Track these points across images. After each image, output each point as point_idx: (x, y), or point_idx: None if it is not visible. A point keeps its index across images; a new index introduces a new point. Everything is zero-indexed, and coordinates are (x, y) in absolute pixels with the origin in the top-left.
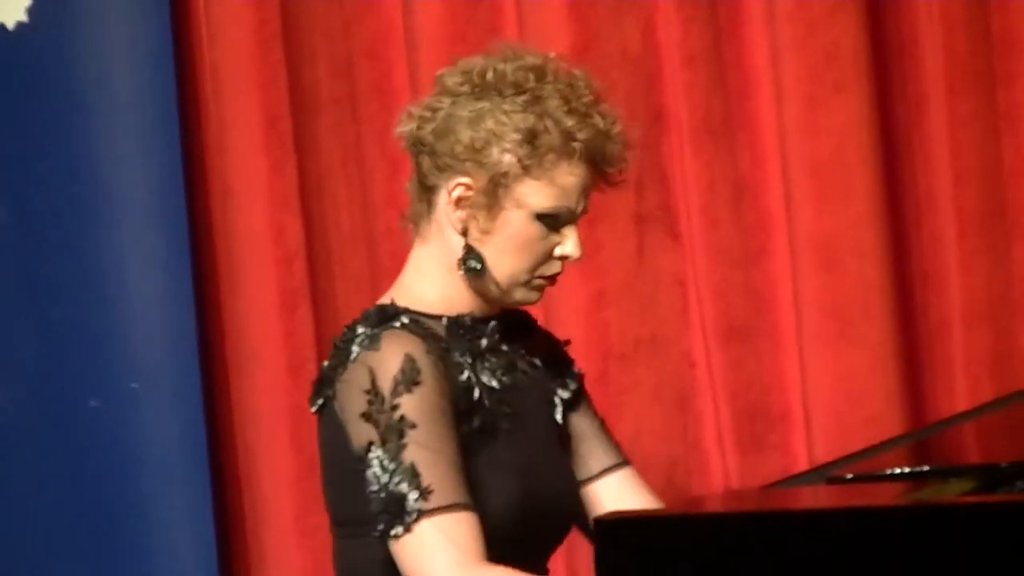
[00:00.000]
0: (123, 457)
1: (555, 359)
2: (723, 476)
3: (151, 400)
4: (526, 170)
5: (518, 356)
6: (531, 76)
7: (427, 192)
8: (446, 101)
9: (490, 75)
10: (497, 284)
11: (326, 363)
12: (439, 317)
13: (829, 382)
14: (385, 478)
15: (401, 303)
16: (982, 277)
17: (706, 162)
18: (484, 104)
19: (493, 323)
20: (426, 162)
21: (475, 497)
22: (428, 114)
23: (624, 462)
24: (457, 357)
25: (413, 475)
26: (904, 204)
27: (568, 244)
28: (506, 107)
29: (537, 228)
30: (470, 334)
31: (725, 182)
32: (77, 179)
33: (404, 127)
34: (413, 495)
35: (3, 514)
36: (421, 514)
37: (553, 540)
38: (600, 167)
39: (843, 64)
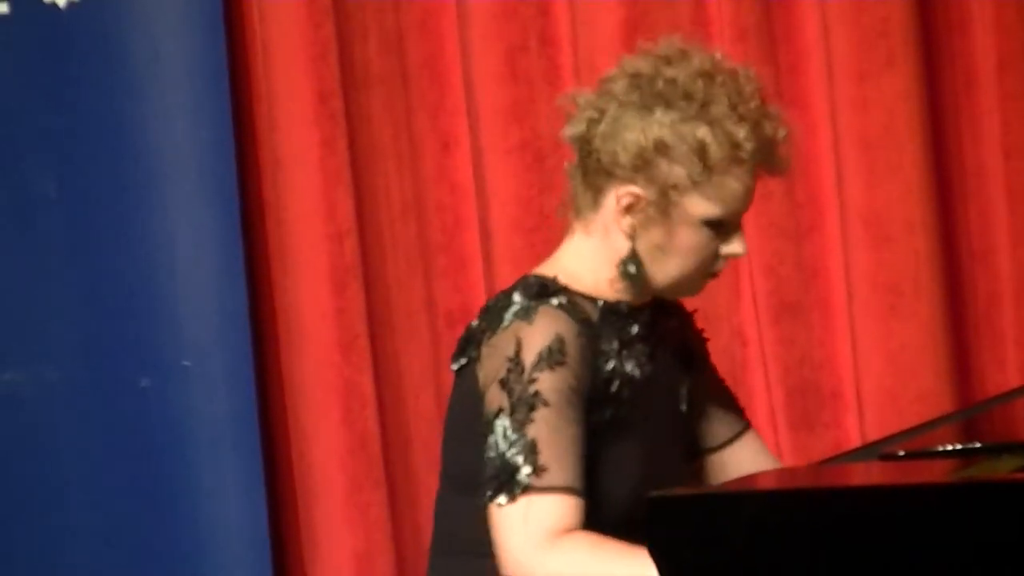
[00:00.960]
0: (174, 436)
1: (687, 340)
2: (775, 453)
3: (202, 378)
4: (696, 184)
5: (660, 345)
6: (700, 82)
7: (593, 189)
8: (613, 104)
9: (660, 84)
10: (661, 287)
11: (475, 323)
12: (595, 300)
13: (880, 359)
14: (504, 446)
15: (563, 281)
16: None
17: None
18: (654, 114)
19: (647, 312)
20: (593, 164)
21: (595, 485)
22: (596, 115)
23: (746, 428)
24: (605, 345)
25: (532, 450)
26: (953, 179)
27: (735, 244)
28: (675, 117)
29: (704, 234)
30: (622, 321)
31: None
32: (128, 156)
33: (574, 129)
34: (526, 469)
35: (56, 494)
36: (529, 489)
37: None
38: (766, 170)
39: (893, 39)
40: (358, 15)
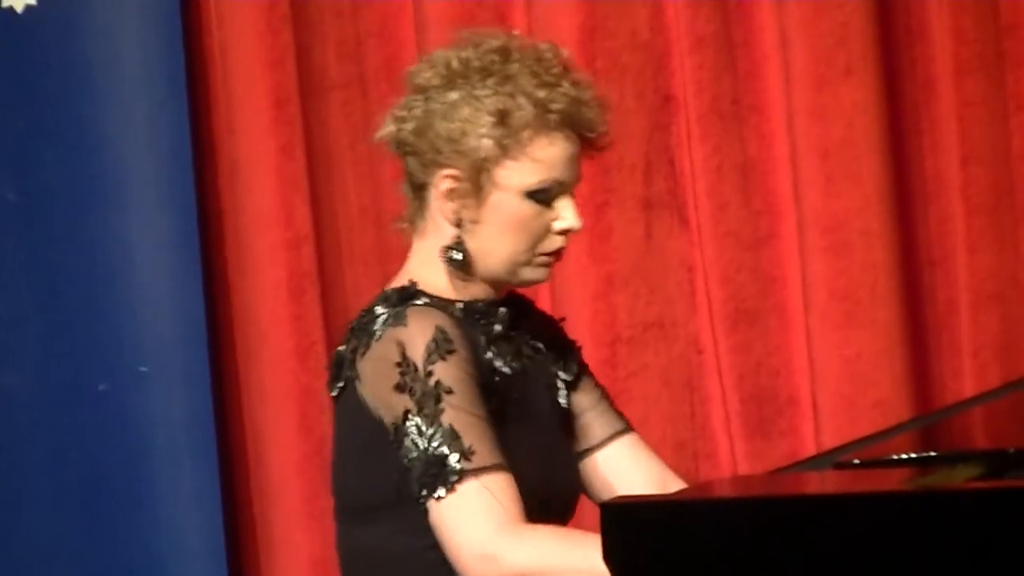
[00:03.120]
0: (131, 440)
1: (555, 341)
2: (730, 460)
3: (160, 383)
4: (504, 151)
5: (523, 342)
6: (496, 58)
7: (418, 190)
8: (419, 98)
9: (455, 64)
10: (496, 270)
11: (342, 347)
12: (454, 301)
13: (837, 366)
14: (424, 443)
15: (420, 286)
16: (990, 260)
17: (714, 145)
18: (455, 94)
19: (503, 309)
20: (412, 162)
21: None
22: (405, 113)
23: (626, 429)
24: (475, 339)
25: (453, 437)
26: (912, 187)
27: (565, 216)
28: (477, 92)
29: (529, 206)
30: (484, 318)
31: (733, 165)
32: (86, 162)
33: (384, 131)
34: (454, 456)
35: (12, 497)
36: (464, 474)
37: (564, 521)
38: (581, 133)
39: (851, 47)
40: (316, 21)
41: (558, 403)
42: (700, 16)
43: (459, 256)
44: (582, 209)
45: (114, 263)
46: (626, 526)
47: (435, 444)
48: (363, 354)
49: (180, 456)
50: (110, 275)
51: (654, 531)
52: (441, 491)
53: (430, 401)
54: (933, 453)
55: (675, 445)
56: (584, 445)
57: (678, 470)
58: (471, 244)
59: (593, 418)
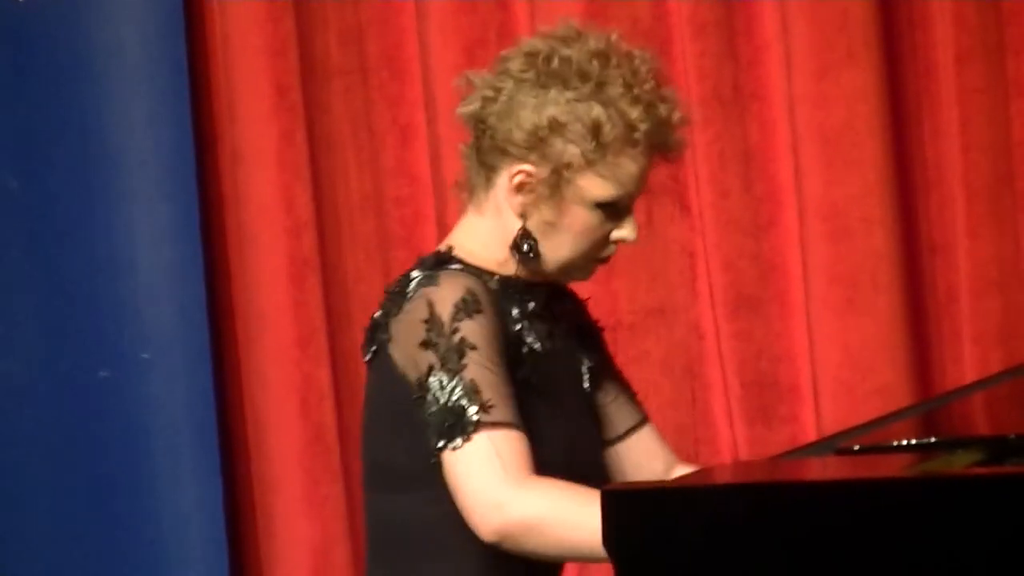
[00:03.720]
0: (133, 427)
1: (583, 325)
2: (731, 447)
3: (161, 370)
4: (590, 164)
5: (557, 324)
6: (595, 63)
7: (487, 168)
8: (509, 83)
9: (556, 63)
10: (552, 267)
11: (377, 313)
12: (492, 274)
13: (837, 352)
14: (444, 396)
15: (457, 254)
16: (990, 247)
17: (716, 132)
18: (549, 92)
19: (543, 290)
20: (487, 142)
21: None
22: (491, 94)
23: (644, 419)
24: (508, 310)
25: (474, 391)
26: (913, 174)
27: (626, 228)
28: (571, 96)
29: (597, 216)
30: (521, 294)
31: (735, 152)
32: (88, 149)
33: (468, 107)
34: (473, 408)
35: (14, 483)
36: (480, 425)
37: None
38: (661, 153)
39: (852, 33)
40: (317, 9)
41: (583, 388)
42: (702, 3)
43: (529, 248)
44: None
45: (116, 250)
46: (627, 512)
47: (455, 397)
48: (396, 315)
49: (181, 443)
50: (112, 262)
51: (655, 517)
52: (458, 441)
53: (453, 356)
54: (934, 439)
55: (676, 431)
56: (605, 436)
57: (679, 455)
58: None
59: (614, 410)
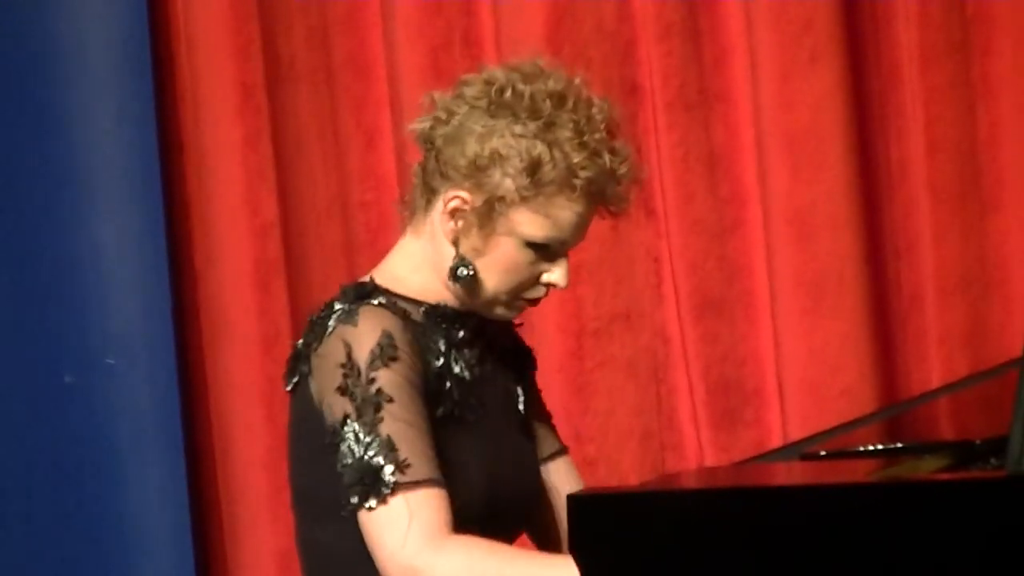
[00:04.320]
0: (98, 432)
1: (516, 346)
2: (697, 451)
3: (126, 375)
4: (524, 200)
5: (487, 347)
6: (549, 102)
7: (428, 191)
8: (463, 108)
9: (508, 94)
10: (479, 300)
11: (300, 340)
12: (419, 303)
13: (803, 355)
14: (360, 450)
15: (381, 283)
16: (955, 249)
17: (681, 135)
18: (497, 122)
19: (474, 317)
20: (431, 164)
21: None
22: (443, 116)
23: (564, 448)
24: (432, 344)
25: (390, 448)
26: (878, 175)
27: (556, 273)
28: (517, 130)
29: (526, 254)
30: (448, 323)
31: (699, 155)
32: (52, 151)
33: (420, 125)
34: (389, 468)
35: None
36: (397, 487)
37: (515, 528)
38: (601, 204)
39: (817, 35)
40: (283, 10)
41: (517, 409)
42: (666, 5)
43: (468, 273)
44: None
45: (80, 254)
46: (593, 517)
47: (371, 453)
48: (315, 349)
49: (146, 448)
50: (76, 266)
51: (621, 522)
52: (372, 502)
53: (369, 408)
54: (900, 444)
55: (642, 436)
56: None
57: (645, 461)
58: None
59: (542, 432)
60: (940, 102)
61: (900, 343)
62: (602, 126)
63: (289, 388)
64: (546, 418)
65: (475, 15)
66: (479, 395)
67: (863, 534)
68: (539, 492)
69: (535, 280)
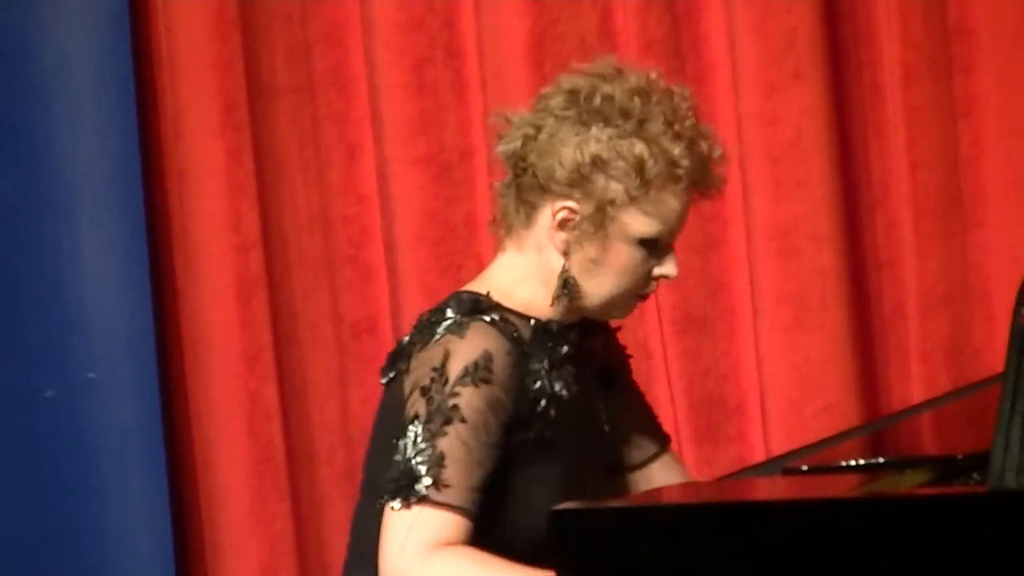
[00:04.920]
0: (79, 446)
1: (611, 359)
2: None
3: (108, 390)
4: (633, 200)
5: (586, 365)
6: (637, 100)
7: (526, 206)
8: (550, 120)
9: (597, 100)
10: (594, 305)
11: (406, 338)
12: (528, 318)
13: (785, 371)
14: (412, 452)
15: (496, 298)
16: (938, 264)
17: None
18: (591, 129)
19: (576, 332)
20: (528, 180)
21: (512, 509)
22: (532, 132)
23: (662, 449)
24: (535, 364)
25: (438, 464)
26: (860, 191)
27: (667, 265)
28: (612, 133)
29: (639, 252)
30: (552, 340)
31: None
32: (34, 166)
33: (508, 145)
34: (427, 480)
35: None
36: (424, 500)
37: None
38: (700, 190)
39: (800, 52)
40: (264, 26)
41: (602, 429)
42: (649, 21)
43: (570, 287)
44: None
45: (62, 269)
46: (577, 533)
47: (420, 459)
48: (419, 351)
49: (128, 462)
50: (58, 281)
51: (604, 537)
52: (397, 503)
53: (439, 419)
54: (882, 459)
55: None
56: (628, 462)
57: None
58: (576, 275)
59: (634, 440)
60: (922, 119)
61: (882, 359)
62: (689, 113)
63: (384, 381)
64: (644, 418)
65: (457, 30)
66: (573, 414)
67: (845, 549)
68: None
69: (648, 277)
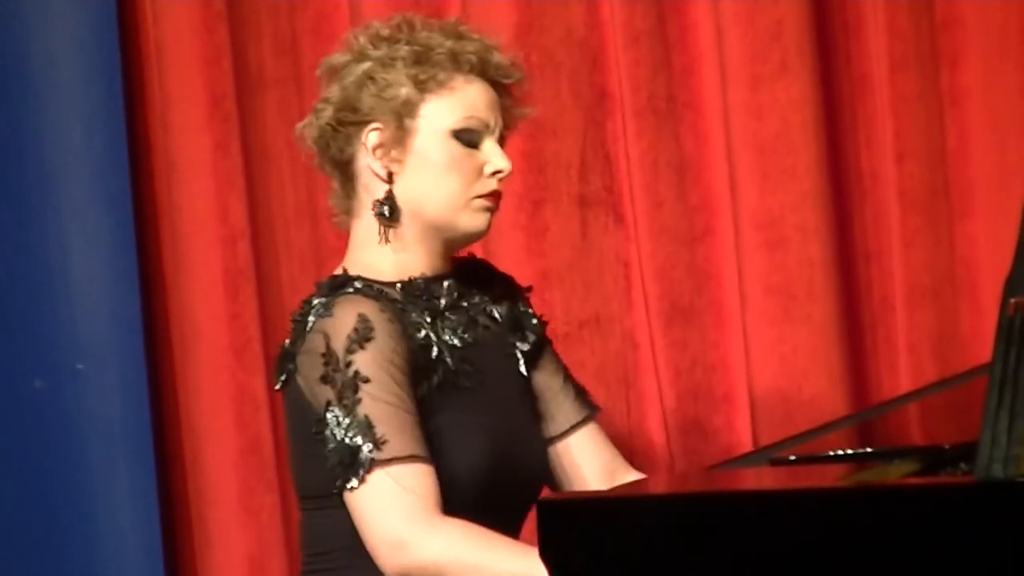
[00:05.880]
0: (67, 438)
1: (515, 309)
2: (666, 457)
3: (96, 381)
4: (424, 89)
5: (478, 311)
6: (404, 26)
7: (346, 171)
8: (334, 85)
9: (363, 39)
10: (436, 216)
11: (286, 341)
12: (393, 283)
13: (773, 362)
14: (340, 433)
15: (353, 272)
16: (925, 256)
17: (650, 142)
18: (368, 63)
19: (448, 281)
20: (337, 142)
21: (440, 458)
22: (322, 104)
23: (588, 417)
24: (415, 317)
25: (368, 427)
26: (847, 183)
27: (494, 158)
28: (389, 53)
29: (456, 146)
30: (426, 294)
31: (669, 162)
32: (22, 159)
33: (304, 125)
34: (367, 447)
35: None
36: (374, 464)
37: (525, 502)
38: (494, 79)
39: (786, 43)
40: (252, 19)
41: (518, 372)
42: (636, 13)
43: (387, 212)
44: (518, 205)
45: (50, 260)
46: (563, 523)
47: (351, 434)
48: (300, 347)
49: (116, 453)
50: (46, 272)
51: (591, 528)
52: (353, 482)
53: (348, 391)
54: (869, 449)
55: (611, 441)
56: (547, 432)
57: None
58: (405, 196)
59: (555, 405)
60: (909, 110)
61: (870, 350)
62: (460, 24)
63: (278, 387)
64: (564, 387)
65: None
66: (474, 360)
67: (832, 538)
68: (545, 464)
69: (478, 174)
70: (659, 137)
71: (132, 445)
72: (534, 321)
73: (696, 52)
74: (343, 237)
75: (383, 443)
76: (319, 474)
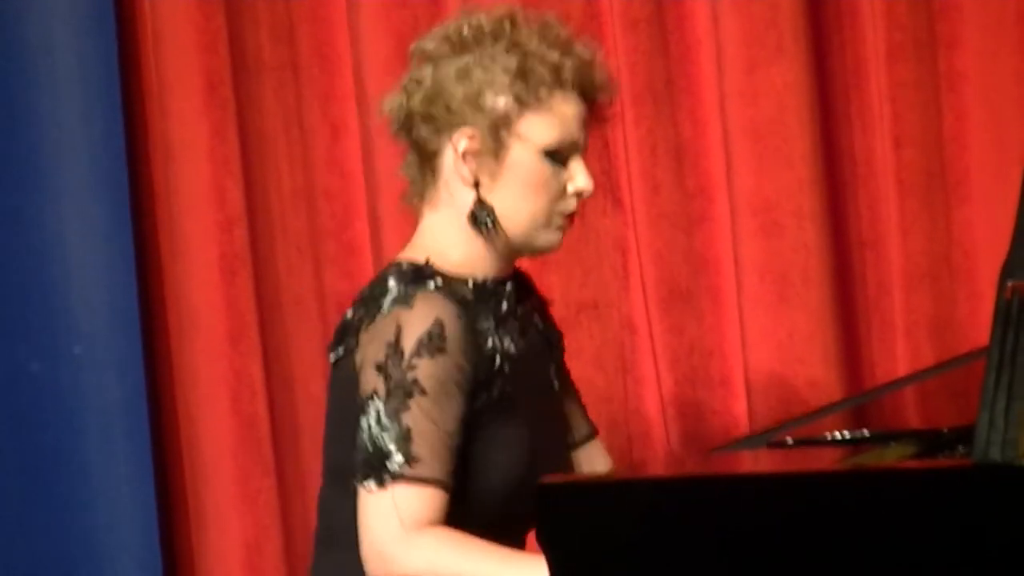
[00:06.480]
0: (64, 421)
1: (547, 320)
2: (664, 441)
3: (93, 365)
4: (524, 105)
5: (528, 320)
6: (506, 23)
7: (429, 160)
8: (428, 68)
9: (466, 31)
10: (517, 232)
11: (350, 313)
12: (465, 280)
13: (769, 346)
14: (377, 430)
15: (435, 263)
16: (921, 241)
17: (648, 127)
18: (468, 58)
19: (509, 284)
20: (423, 130)
21: (480, 472)
22: (414, 85)
23: (594, 432)
24: (483, 323)
25: (406, 438)
26: (844, 168)
27: (579, 178)
28: (490, 53)
29: (546, 166)
30: (492, 297)
31: (666, 147)
32: (19, 144)
33: (392, 102)
34: (399, 457)
35: None
36: (398, 478)
37: None
38: (591, 96)
39: (782, 28)
40: (248, 4)
41: (552, 385)
42: (634, 0)
43: (488, 220)
44: None
45: (47, 245)
46: (562, 506)
47: (387, 437)
48: (367, 326)
49: (113, 437)
50: (43, 256)
51: (589, 511)
52: (372, 484)
53: (400, 394)
54: (867, 433)
55: (609, 426)
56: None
57: (612, 451)
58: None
59: (574, 416)
60: (906, 96)
61: (866, 335)
62: (560, 29)
63: (333, 359)
64: (578, 401)
65: (441, 6)
66: (523, 371)
67: (830, 522)
68: (568, 466)
69: (562, 192)
70: (657, 122)
71: (129, 428)
72: (559, 335)
73: (693, 38)
74: (338, 221)
75: (416, 461)
76: (350, 453)
